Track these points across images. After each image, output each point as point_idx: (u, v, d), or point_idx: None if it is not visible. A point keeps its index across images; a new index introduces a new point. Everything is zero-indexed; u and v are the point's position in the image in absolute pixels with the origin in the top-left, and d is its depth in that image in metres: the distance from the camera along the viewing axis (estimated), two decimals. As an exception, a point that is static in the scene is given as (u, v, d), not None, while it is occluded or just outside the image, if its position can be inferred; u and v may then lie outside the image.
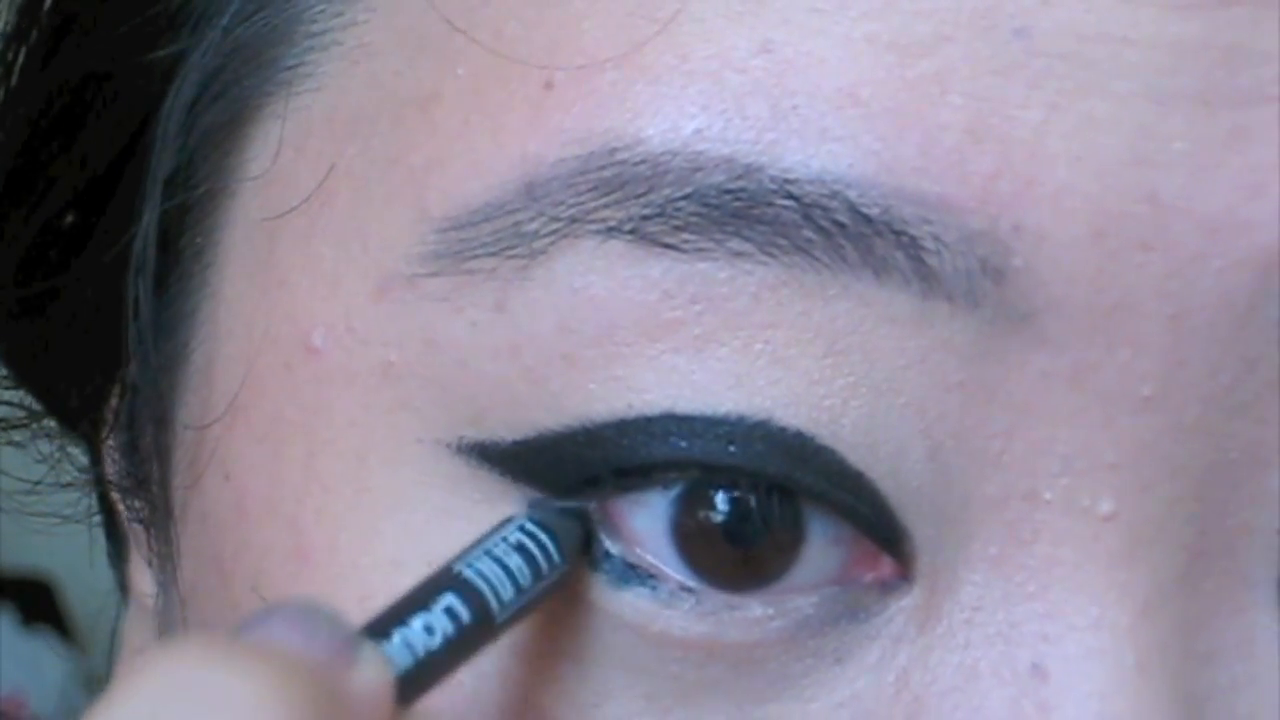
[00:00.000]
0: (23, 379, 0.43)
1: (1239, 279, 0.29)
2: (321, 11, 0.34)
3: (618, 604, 0.31)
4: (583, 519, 0.31)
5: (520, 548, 0.30)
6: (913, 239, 0.29)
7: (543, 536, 0.30)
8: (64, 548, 0.45)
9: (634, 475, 0.31)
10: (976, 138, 0.29)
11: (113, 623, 0.42)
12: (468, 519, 0.31)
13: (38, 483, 0.43)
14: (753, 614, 0.30)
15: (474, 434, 0.31)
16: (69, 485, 0.43)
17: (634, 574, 0.31)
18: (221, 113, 0.35)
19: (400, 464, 0.32)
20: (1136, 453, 0.30)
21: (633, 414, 0.30)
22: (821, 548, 0.31)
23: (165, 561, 0.38)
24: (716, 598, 0.30)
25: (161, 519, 0.38)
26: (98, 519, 0.44)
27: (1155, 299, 0.29)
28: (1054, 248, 0.29)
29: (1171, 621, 0.30)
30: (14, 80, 0.39)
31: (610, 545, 0.31)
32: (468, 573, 0.30)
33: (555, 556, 0.30)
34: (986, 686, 0.30)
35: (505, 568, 0.30)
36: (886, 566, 0.31)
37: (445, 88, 0.32)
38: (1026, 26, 0.29)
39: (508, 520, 0.31)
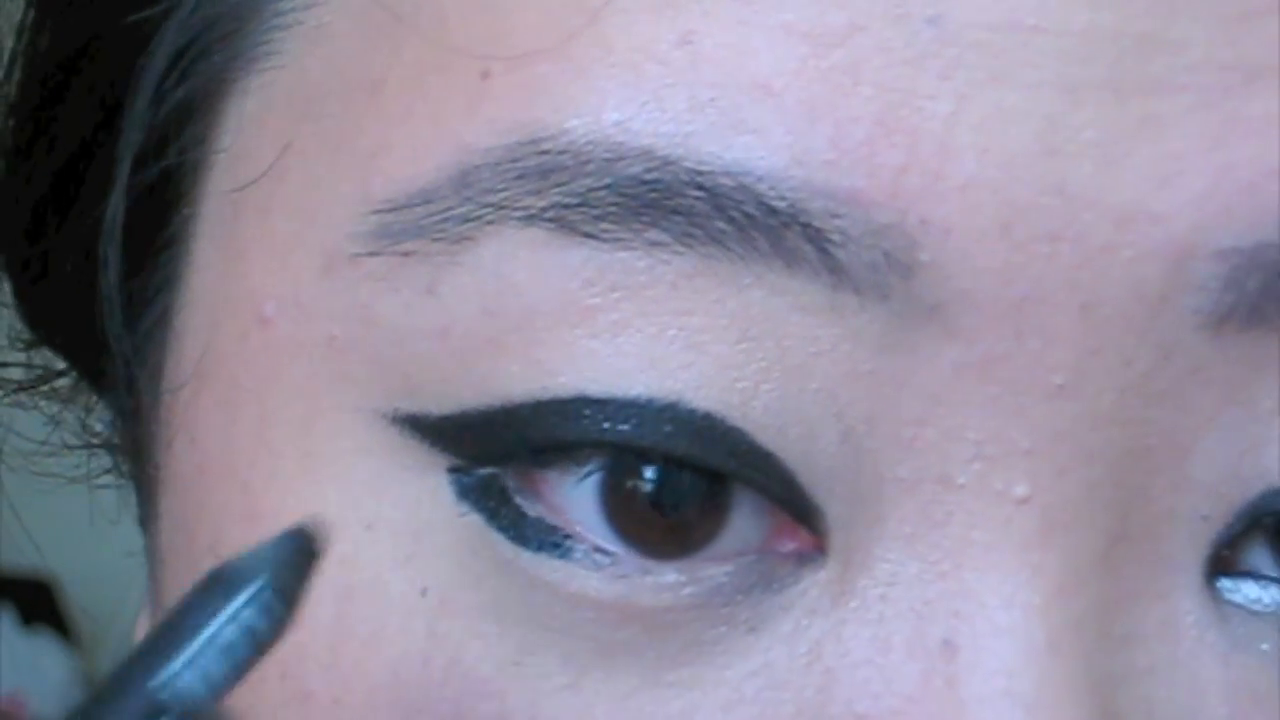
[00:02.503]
0: (46, 340, 0.44)
1: (1151, 269, 0.29)
2: None
3: (535, 565, 0.31)
4: (300, 537, 0.29)
5: (249, 631, 0.28)
6: (819, 231, 0.29)
7: (267, 597, 0.28)
8: (64, 548, 0.45)
9: (549, 453, 0.31)
10: (887, 130, 0.29)
11: (112, 623, 0.43)
12: (400, 484, 0.32)
13: (43, 443, 0.44)
14: (665, 579, 0.31)
15: (407, 406, 0.32)
16: (77, 448, 0.44)
17: (552, 535, 0.31)
18: (197, 84, 0.36)
19: (341, 432, 0.33)
20: (1051, 439, 0.30)
21: (547, 396, 0.31)
22: (747, 516, 0.31)
23: (149, 523, 0.39)
24: (634, 562, 0.31)
25: (145, 481, 0.39)
26: (97, 520, 0.44)
27: (1065, 289, 0.29)
28: (961, 241, 0.29)
29: (1088, 603, 0.30)
30: (23, 42, 0.40)
31: (529, 508, 0.32)
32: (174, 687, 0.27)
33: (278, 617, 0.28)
34: (898, 660, 0.30)
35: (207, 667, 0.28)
36: (805, 537, 0.31)
37: (391, 73, 0.32)
38: (939, 15, 0.29)
39: (229, 598, 0.28)
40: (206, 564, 0.33)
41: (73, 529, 0.45)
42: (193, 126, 0.36)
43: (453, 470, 0.32)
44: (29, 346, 0.44)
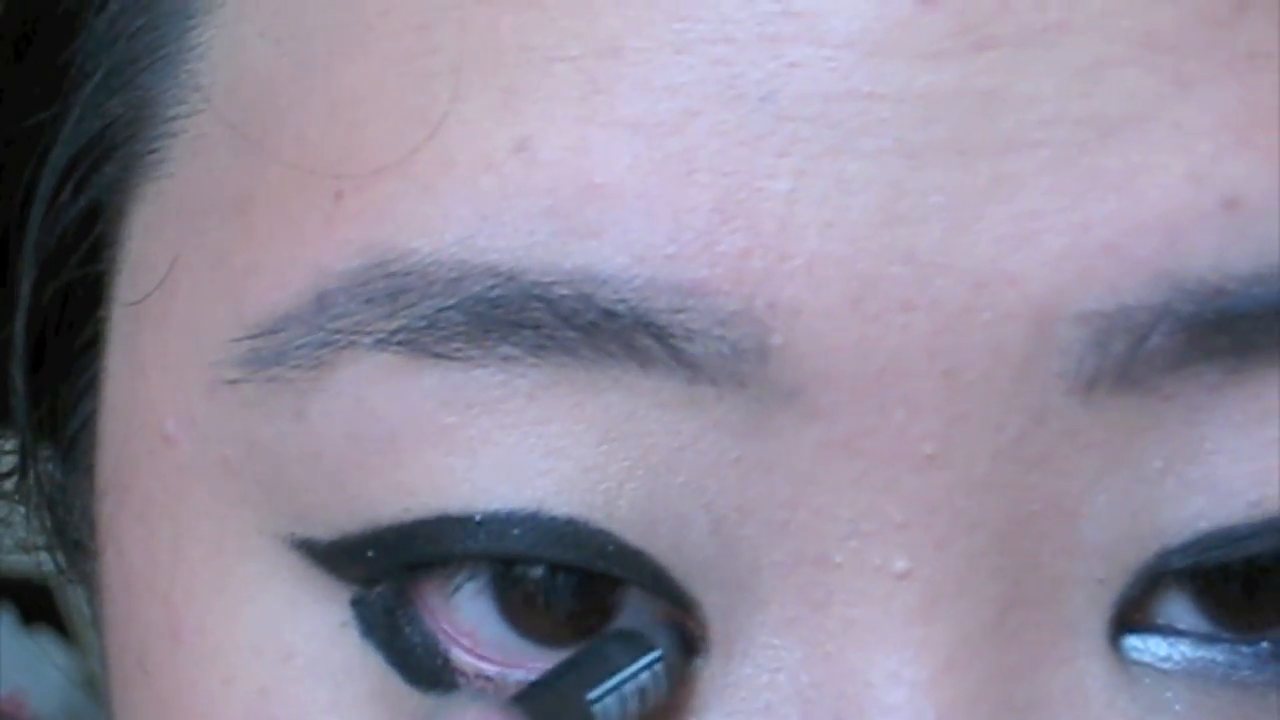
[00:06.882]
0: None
1: (1011, 331, 0.29)
2: (172, 96, 0.34)
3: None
4: (681, 630, 0.31)
5: (641, 692, 0.31)
6: (664, 329, 0.29)
7: (660, 669, 0.31)
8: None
9: (423, 568, 0.31)
10: (725, 216, 0.29)
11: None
12: (311, 617, 0.32)
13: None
14: None
15: (300, 531, 0.32)
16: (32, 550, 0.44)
17: (437, 670, 0.31)
18: (96, 195, 0.35)
19: (250, 555, 0.33)
20: (926, 511, 0.29)
21: (409, 518, 0.31)
22: (639, 601, 0.31)
23: (96, 625, 0.38)
24: (527, 655, 0.31)
25: (88, 585, 0.39)
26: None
27: (925, 357, 0.29)
28: (811, 320, 0.29)
29: (982, 673, 0.30)
30: None
31: (420, 635, 0.32)
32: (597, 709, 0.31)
33: (664, 684, 0.31)
34: None
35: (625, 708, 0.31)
36: (691, 625, 0.31)
37: (258, 192, 0.32)
38: (773, 92, 0.28)
39: (640, 653, 0.31)
40: (135, 679, 0.34)
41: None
42: (99, 234, 0.36)
43: (355, 603, 0.32)
44: None
